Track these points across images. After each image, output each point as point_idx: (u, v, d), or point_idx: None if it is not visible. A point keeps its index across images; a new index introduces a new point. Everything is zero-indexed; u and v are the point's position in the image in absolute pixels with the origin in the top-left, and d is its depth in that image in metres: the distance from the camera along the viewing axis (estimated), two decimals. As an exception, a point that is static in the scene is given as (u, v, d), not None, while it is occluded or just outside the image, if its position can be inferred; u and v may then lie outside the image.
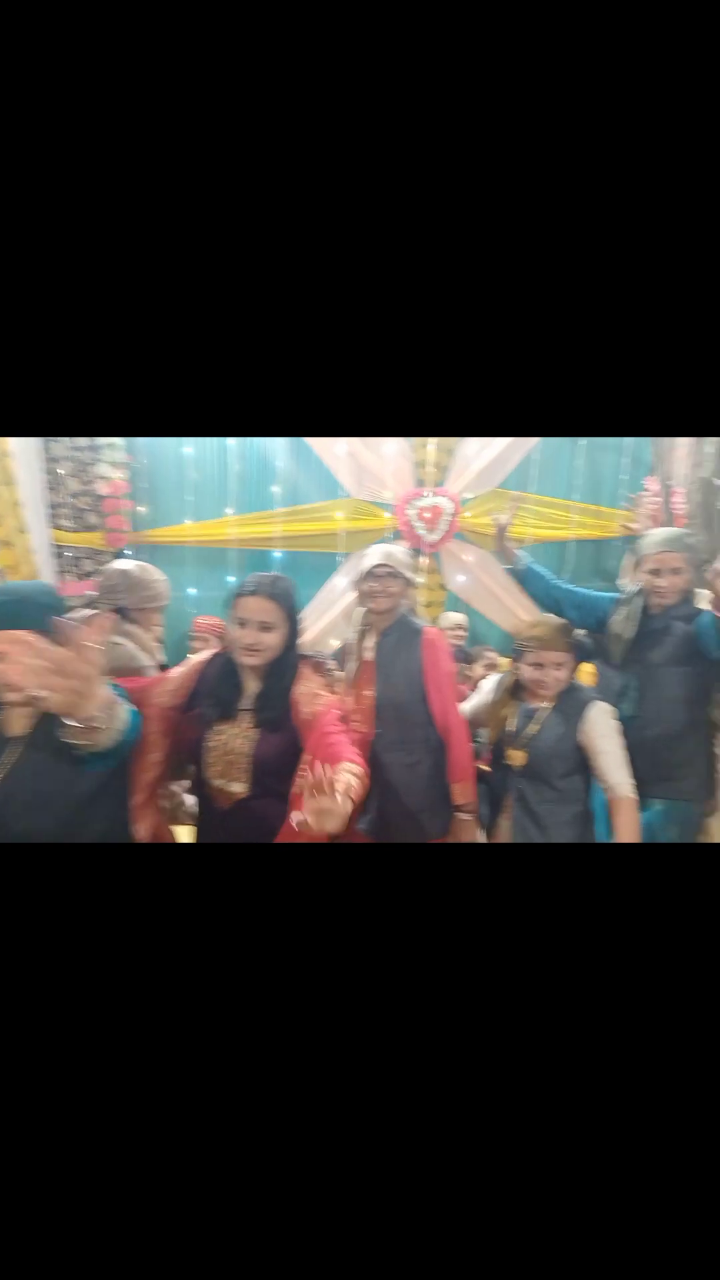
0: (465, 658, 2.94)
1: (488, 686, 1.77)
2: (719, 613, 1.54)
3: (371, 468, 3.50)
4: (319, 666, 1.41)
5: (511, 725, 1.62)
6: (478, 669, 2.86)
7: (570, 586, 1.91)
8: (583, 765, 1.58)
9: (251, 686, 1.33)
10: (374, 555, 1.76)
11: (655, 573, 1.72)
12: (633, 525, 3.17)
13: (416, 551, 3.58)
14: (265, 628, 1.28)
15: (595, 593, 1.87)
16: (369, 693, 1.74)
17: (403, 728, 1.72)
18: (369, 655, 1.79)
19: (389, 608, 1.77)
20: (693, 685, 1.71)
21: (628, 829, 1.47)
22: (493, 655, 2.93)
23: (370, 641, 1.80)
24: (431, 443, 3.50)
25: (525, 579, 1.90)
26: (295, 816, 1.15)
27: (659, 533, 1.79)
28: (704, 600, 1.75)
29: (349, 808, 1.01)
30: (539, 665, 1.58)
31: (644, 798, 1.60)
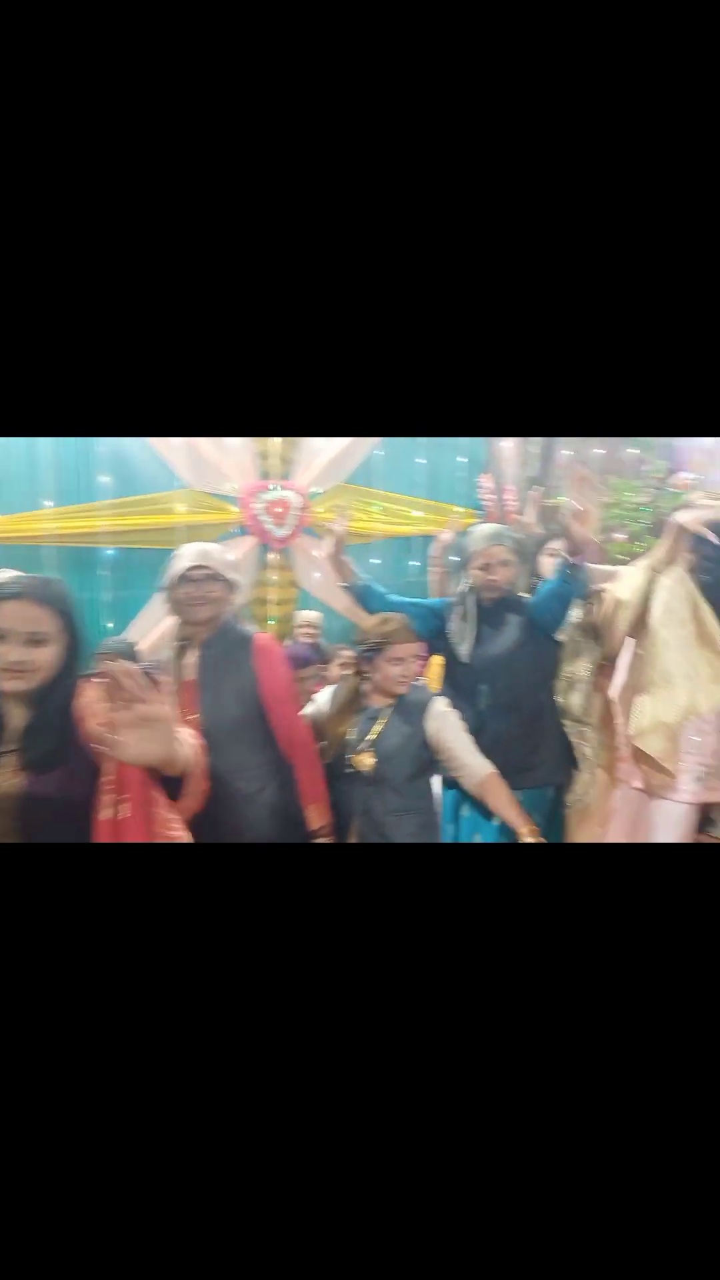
0: (321, 656, 2.84)
1: (323, 698, 1.67)
2: (572, 559, 1.60)
3: (211, 458, 3.27)
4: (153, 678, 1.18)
5: (352, 734, 1.57)
6: (334, 669, 2.78)
7: (404, 599, 1.87)
8: (427, 767, 1.57)
9: (16, 718, 1.04)
10: (187, 556, 1.51)
11: (485, 568, 1.73)
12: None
13: (265, 548, 3.42)
14: (35, 641, 1.01)
15: (429, 600, 1.88)
16: (194, 717, 1.49)
17: (239, 753, 1.50)
18: (190, 674, 1.53)
19: (209, 616, 1.52)
20: (536, 671, 1.76)
21: (504, 802, 1.50)
22: (350, 654, 2.87)
23: (190, 658, 1.54)
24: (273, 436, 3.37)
25: (363, 597, 1.84)
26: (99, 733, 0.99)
27: (483, 529, 1.80)
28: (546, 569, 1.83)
29: (179, 741, 0.92)
30: (398, 660, 1.53)
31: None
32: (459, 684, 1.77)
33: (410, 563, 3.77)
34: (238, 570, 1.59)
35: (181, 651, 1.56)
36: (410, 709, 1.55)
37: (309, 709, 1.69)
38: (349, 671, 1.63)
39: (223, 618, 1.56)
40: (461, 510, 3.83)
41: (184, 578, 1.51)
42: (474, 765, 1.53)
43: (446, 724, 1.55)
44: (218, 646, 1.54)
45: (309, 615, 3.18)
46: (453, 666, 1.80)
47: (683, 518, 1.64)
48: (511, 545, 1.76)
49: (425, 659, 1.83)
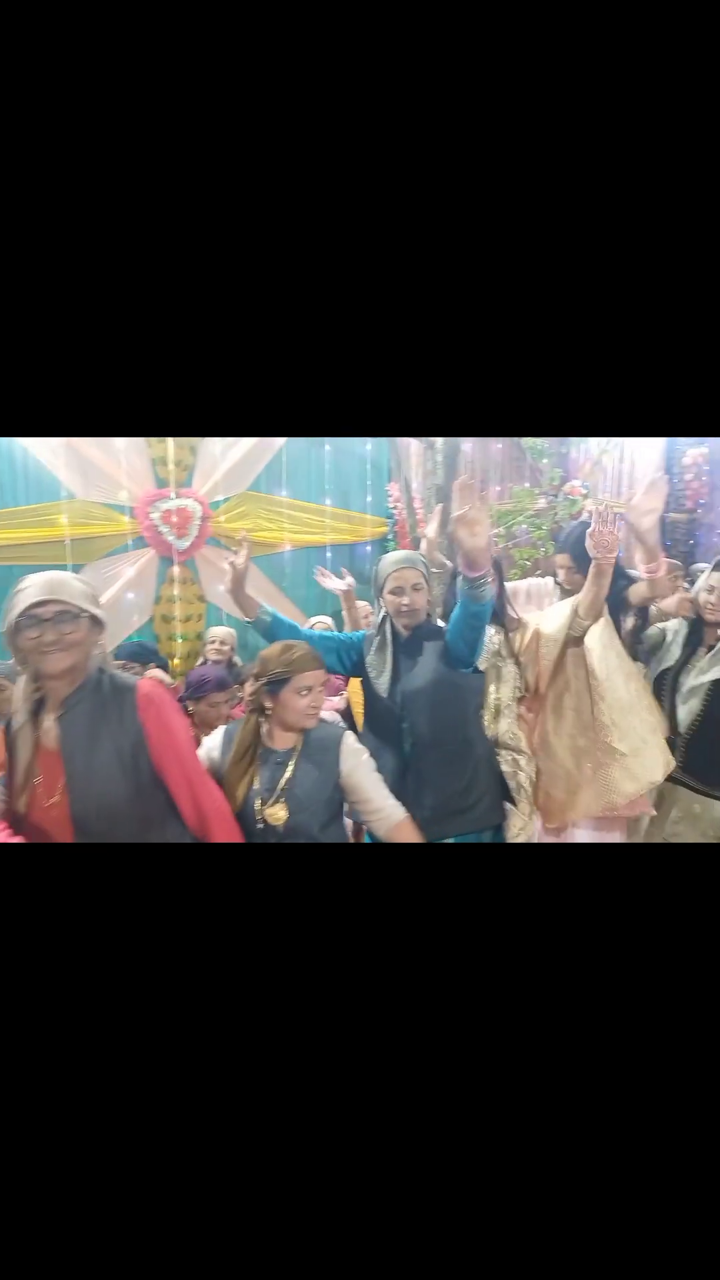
0: (236, 677, 2.66)
1: (213, 743, 1.41)
2: (471, 574, 1.45)
3: (100, 464, 2.98)
4: None
5: (256, 781, 1.34)
6: (249, 687, 2.60)
7: (318, 633, 1.72)
8: (338, 813, 1.40)
9: None
10: (30, 590, 1.12)
11: (397, 592, 1.58)
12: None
13: (167, 561, 3.17)
14: None
15: (344, 635, 1.72)
16: (57, 799, 1.14)
17: (127, 833, 1.17)
18: (49, 742, 1.16)
19: (68, 666, 1.14)
20: (458, 703, 1.60)
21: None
22: (249, 687, 2.70)
23: (48, 721, 1.17)
24: (170, 437, 3.13)
25: (271, 632, 1.61)
26: None
27: (394, 554, 1.65)
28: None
29: None
30: (305, 690, 1.33)
31: (438, 838, 1.48)
32: (380, 721, 1.60)
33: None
34: (98, 601, 1.20)
35: (35, 713, 1.17)
36: (320, 747, 1.37)
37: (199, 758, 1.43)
38: (249, 708, 1.39)
39: (88, 666, 1.19)
40: (372, 519, 3.79)
41: (28, 617, 1.12)
42: (389, 809, 1.36)
43: (360, 762, 1.38)
44: (84, 703, 1.17)
45: (220, 631, 2.96)
46: (373, 703, 1.63)
47: (601, 558, 1.58)
48: (423, 569, 1.61)
49: (337, 687, 1.68)
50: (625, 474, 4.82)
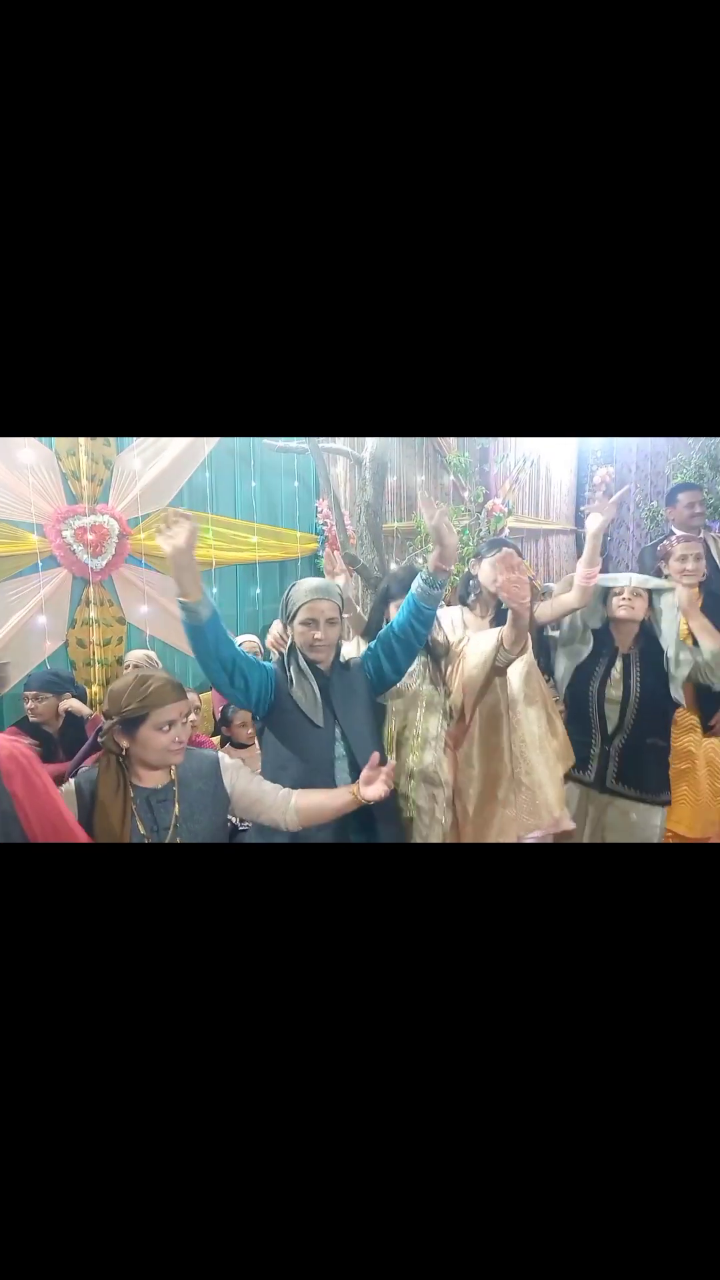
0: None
1: (69, 787, 1.22)
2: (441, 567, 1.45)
3: (3, 479, 2.75)
4: None
5: (139, 824, 1.18)
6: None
7: (248, 657, 1.48)
8: (225, 831, 1.33)
9: None
10: None
11: (310, 624, 1.46)
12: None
13: (82, 581, 2.96)
14: None
15: (259, 661, 1.51)
16: None
17: None
18: None
19: None
20: (377, 727, 1.58)
21: (328, 808, 1.31)
22: (192, 696, 2.55)
23: None
24: (81, 450, 2.93)
25: (199, 630, 1.38)
26: None
27: (307, 583, 1.53)
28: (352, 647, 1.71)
29: None
30: (168, 725, 1.18)
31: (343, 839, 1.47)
32: (313, 753, 1.46)
33: (253, 590, 3.56)
34: None
35: None
36: (198, 776, 1.27)
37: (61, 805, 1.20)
38: (106, 749, 1.21)
39: None
40: (301, 535, 3.73)
41: None
42: (279, 797, 1.31)
43: (240, 772, 1.32)
44: None
45: (138, 655, 2.78)
46: (299, 736, 1.47)
47: (514, 605, 1.54)
48: (339, 600, 1.52)
49: (195, 718, 1.48)
50: (542, 492, 5.05)
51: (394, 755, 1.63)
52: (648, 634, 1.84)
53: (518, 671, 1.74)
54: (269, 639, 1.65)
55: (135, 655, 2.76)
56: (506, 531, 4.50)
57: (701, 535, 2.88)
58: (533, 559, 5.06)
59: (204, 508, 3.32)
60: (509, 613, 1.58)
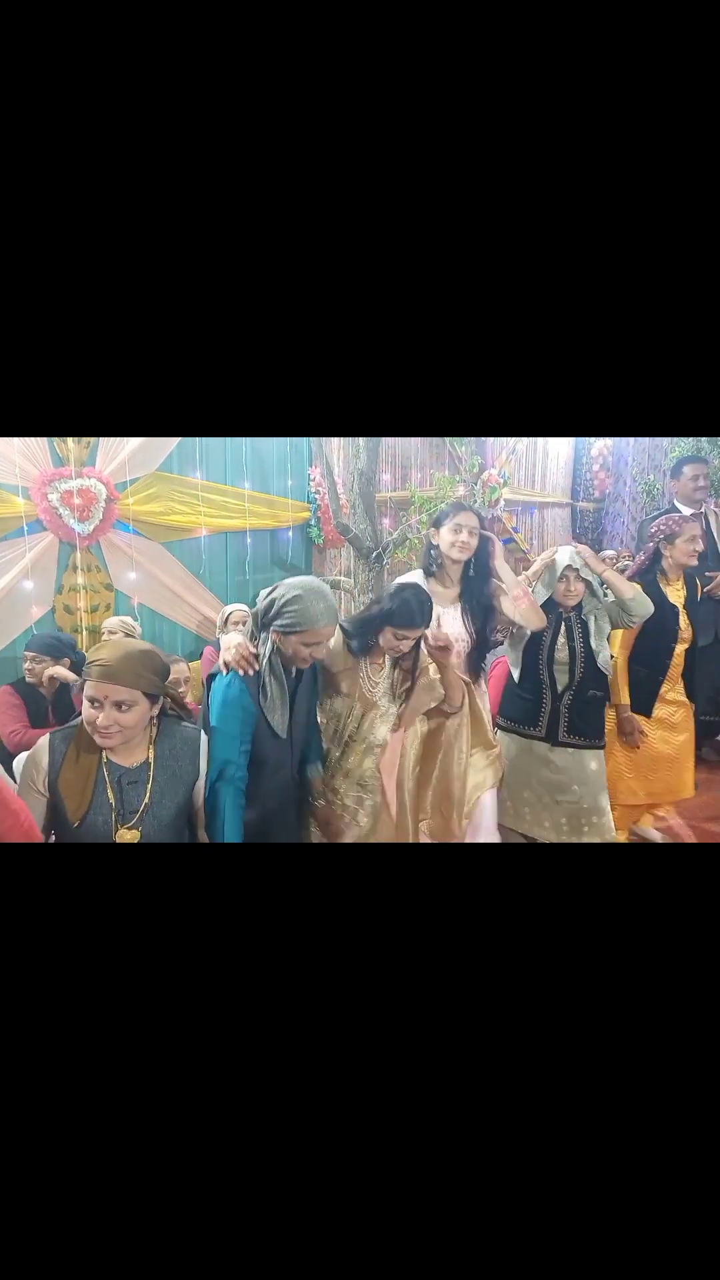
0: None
1: (42, 740, 1.18)
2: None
3: (-13, 438, 2.67)
4: None
5: (105, 793, 1.15)
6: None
7: (236, 739, 1.34)
8: (187, 821, 1.28)
9: None
10: None
11: (311, 645, 1.37)
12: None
13: (68, 546, 2.91)
14: None
15: (242, 711, 1.37)
16: None
17: None
18: None
19: None
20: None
21: None
22: (180, 665, 2.53)
23: None
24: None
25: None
26: None
27: (320, 603, 1.35)
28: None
29: None
30: (96, 703, 1.10)
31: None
32: (268, 758, 1.40)
33: (244, 558, 3.52)
34: None
35: None
36: (176, 757, 1.21)
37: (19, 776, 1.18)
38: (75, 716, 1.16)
39: None
40: (293, 503, 3.68)
41: None
42: None
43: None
44: None
45: (114, 622, 2.75)
46: (265, 743, 1.40)
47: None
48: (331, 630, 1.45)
49: (147, 712, 1.21)
50: (539, 464, 4.98)
51: (338, 751, 1.61)
52: (589, 593, 2.04)
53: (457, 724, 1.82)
54: (233, 655, 1.38)
55: (112, 623, 2.73)
56: (502, 503, 4.45)
57: (703, 510, 2.86)
58: (528, 532, 5.01)
59: (193, 473, 3.26)
60: (442, 676, 1.65)
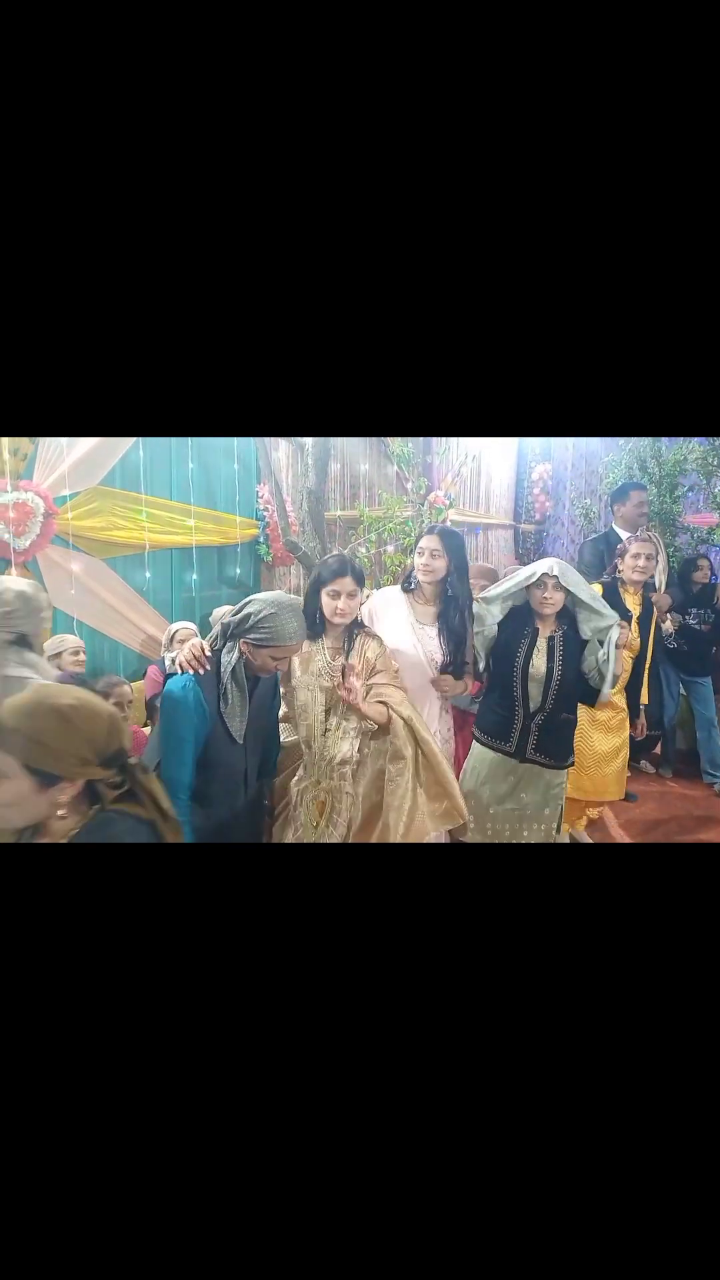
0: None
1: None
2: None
3: None
4: None
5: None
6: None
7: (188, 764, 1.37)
8: None
9: None
10: None
11: (279, 660, 1.44)
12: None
13: (4, 561, 2.77)
14: None
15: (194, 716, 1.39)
16: None
17: None
18: None
19: None
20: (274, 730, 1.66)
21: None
22: (123, 686, 2.43)
23: None
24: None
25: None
26: None
27: (294, 621, 1.41)
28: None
29: None
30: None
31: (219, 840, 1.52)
32: (220, 762, 1.42)
33: (189, 576, 3.44)
34: None
35: None
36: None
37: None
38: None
39: None
40: (241, 520, 3.64)
41: None
42: None
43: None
44: None
45: (70, 641, 2.62)
46: (220, 747, 1.41)
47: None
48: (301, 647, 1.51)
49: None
50: (483, 486, 5.14)
51: (316, 741, 1.65)
52: (569, 618, 1.97)
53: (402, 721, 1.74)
54: (186, 654, 1.40)
55: (67, 640, 2.59)
56: (448, 523, 4.55)
57: (639, 533, 3.04)
58: (473, 551, 5.15)
59: (137, 488, 3.17)
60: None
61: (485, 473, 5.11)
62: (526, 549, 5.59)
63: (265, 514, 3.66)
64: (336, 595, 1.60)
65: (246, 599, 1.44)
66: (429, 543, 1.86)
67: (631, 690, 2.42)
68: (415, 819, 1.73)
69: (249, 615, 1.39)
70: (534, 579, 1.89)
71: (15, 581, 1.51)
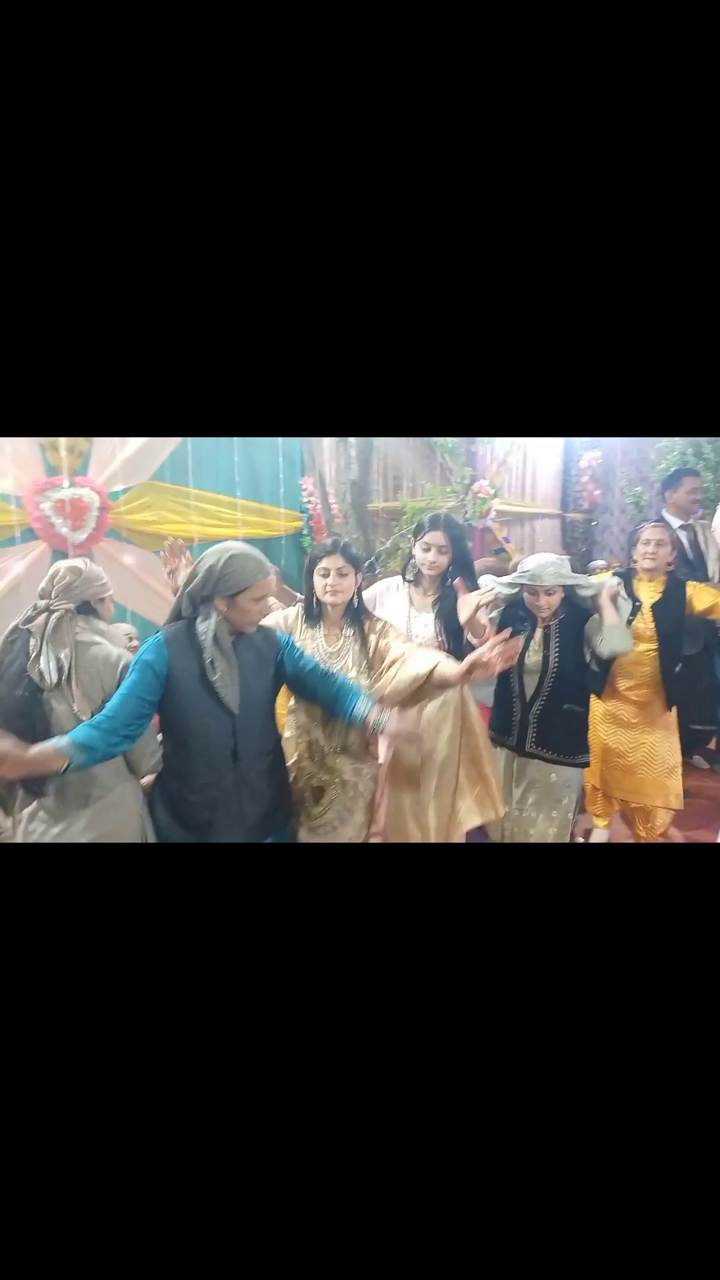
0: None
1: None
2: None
3: (-20, 447, 2.69)
4: None
5: None
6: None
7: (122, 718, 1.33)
8: None
9: None
10: None
11: (259, 600, 1.39)
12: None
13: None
14: None
15: (135, 693, 1.36)
16: None
17: None
18: None
19: None
20: (272, 700, 1.54)
21: None
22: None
23: None
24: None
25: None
26: None
27: (248, 554, 1.39)
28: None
29: None
30: None
31: (261, 839, 1.47)
32: (204, 733, 1.38)
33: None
34: None
35: None
36: None
37: None
38: None
39: None
40: (285, 513, 3.70)
41: None
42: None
43: None
44: None
45: (124, 629, 2.74)
46: (203, 717, 1.38)
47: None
48: (273, 581, 1.47)
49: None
50: (529, 475, 5.04)
51: (320, 730, 1.62)
52: (569, 605, 1.91)
53: (449, 715, 1.72)
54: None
55: (121, 629, 2.69)
56: (493, 513, 4.49)
57: (690, 521, 2.92)
58: (518, 542, 5.06)
59: (185, 482, 3.28)
60: (467, 659, 1.50)
61: (531, 461, 5.00)
62: (575, 539, 5.46)
63: (309, 506, 3.71)
64: (326, 573, 1.60)
65: (196, 561, 1.39)
66: (435, 538, 1.81)
67: (668, 685, 2.25)
68: (458, 806, 1.72)
69: (210, 569, 1.34)
70: (528, 583, 1.85)
71: (66, 561, 1.61)
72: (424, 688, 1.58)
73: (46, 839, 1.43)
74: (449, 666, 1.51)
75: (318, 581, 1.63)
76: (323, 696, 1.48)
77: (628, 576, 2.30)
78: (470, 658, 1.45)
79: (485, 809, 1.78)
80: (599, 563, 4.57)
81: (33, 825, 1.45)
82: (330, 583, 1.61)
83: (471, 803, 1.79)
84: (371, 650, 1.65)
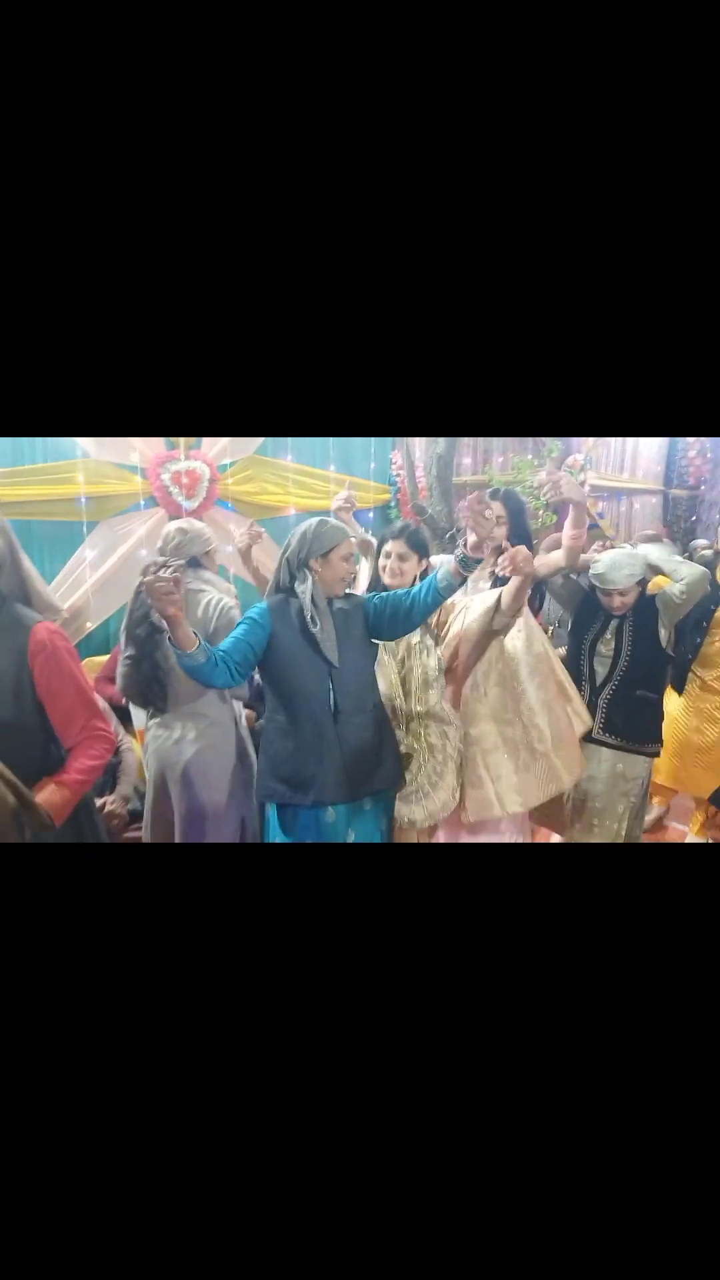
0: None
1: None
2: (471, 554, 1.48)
3: (113, 425, 3.10)
4: None
5: None
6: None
7: (238, 648, 1.52)
8: None
9: None
10: None
11: (348, 559, 1.56)
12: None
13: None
14: None
15: (246, 637, 1.53)
16: None
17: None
18: None
19: None
20: (370, 670, 1.64)
21: None
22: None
23: None
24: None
25: (199, 671, 1.46)
26: None
27: (327, 521, 1.57)
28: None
29: None
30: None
31: (357, 799, 1.56)
32: (301, 690, 1.53)
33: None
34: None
35: None
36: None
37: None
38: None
39: None
40: (375, 485, 3.89)
41: None
42: None
43: None
44: None
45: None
46: (313, 672, 1.53)
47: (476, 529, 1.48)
48: (355, 541, 1.63)
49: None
50: (629, 448, 4.85)
51: (402, 697, 1.70)
52: (644, 601, 1.86)
53: (517, 636, 1.76)
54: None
55: None
56: (587, 486, 4.40)
57: None
58: (614, 519, 4.91)
59: (284, 455, 3.56)
60: (513, 587, 1.61)
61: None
62: (677, 516, 5.19)
63: (397, 479, 3.87)
64: (389, 556, 1.72)
65: (288, 537, 1.59)
66: (396, 546, 1.77)
67: None
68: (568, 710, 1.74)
69: (304, 534, 1.53)
70: (599, 585, 1.82)
71: (175, 522, 1.96)
72: (496, 617, 1.70)
73: (168, 744, 1.82)
74: (507, 591, 1.66)
75: (382, 561, 1.76)
76: (406, 606, 1.54)
77: (712, 563, 2.15)
78: (504, 559, 1.57)
79: (585, 716, 1.83)
80: (701, 541, 4.35)
81: (157, 731, 1.86)
82: (392, 564, 1.73)
83: (580, 706, 1.83)
84: (433, 622, 1.76)
